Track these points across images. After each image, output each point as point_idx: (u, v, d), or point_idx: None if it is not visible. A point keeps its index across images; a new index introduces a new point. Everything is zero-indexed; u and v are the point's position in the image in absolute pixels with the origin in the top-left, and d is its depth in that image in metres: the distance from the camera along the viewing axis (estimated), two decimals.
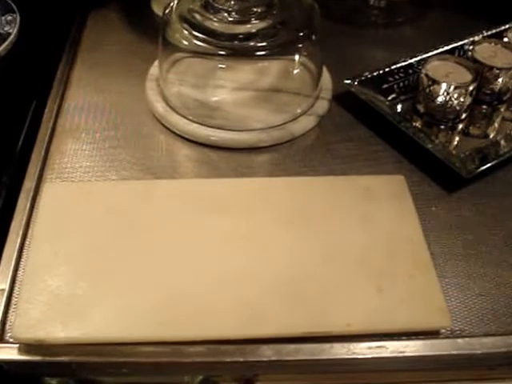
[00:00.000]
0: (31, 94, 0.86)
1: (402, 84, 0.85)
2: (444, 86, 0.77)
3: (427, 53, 0.88)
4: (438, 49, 0.89)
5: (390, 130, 0.79)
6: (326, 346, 0.59)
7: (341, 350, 0.59)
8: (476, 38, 0.91)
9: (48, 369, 0.62)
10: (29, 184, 0.72)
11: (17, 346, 0.59)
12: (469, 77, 0.79)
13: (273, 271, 0.63)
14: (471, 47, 0.84)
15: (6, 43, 0.77)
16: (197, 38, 0.76)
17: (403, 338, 0.60)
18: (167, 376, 0.65)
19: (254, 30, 0.77)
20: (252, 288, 0.61)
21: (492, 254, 0.67)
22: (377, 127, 0.81)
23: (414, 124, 0.80)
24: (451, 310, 0.62)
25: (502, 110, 0.84)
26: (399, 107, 0.83)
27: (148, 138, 0.80)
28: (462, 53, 0.89)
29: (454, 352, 0.60)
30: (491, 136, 0.81)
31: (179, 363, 0.59)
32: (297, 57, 0.80)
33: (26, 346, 0.59)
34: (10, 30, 0.79)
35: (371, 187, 0.71)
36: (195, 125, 0.79)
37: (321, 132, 0.82)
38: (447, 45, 0.90)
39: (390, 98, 0.84)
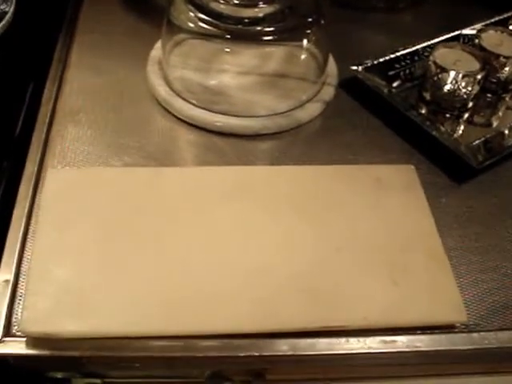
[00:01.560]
0: (28, 75, 0.83)
1: (407, 71, 0.85)
2: (452, 74, 0.77)
3: (432, 39, 0.87)
4: (442, 35, 0.88)
5: (396, 118, 0.79)
6: (342, 340, 0.59)
7: (357, 345, 0.59)
8: (480, 25, 0.90)
9: (57, 363, 0.60)
10: (30, 170, 0.70)
11: (24, 339, 0.57)
12: (476, 65, 0.78)
13: (286, 264, 0.62)
14: (478, 35, 0.83)
15: (3, 22, 0.73)
16: (202, 20, 0.74)
17: (418, 332, 0.60)
18: (179, 370, 0.64)
19: (261, 15, 0.75)
20: (265, 281, 0.61)
21: (504, 247, 0.67)
22: (383, 114, 0.80)
23: (420, 112, 0.79)
24: (465, 304, 0.61)
25: (507, 99, 0.84)
26: (405, 94, 0.82)
27: (150, 123, 0.78)
28: (466, 40, 0.88)
29: (470, 347, 0.60)
30: (495, 125, 0.81)
31: (192, 358, 0.58)
32: (304, 42, 0.78)
33: (34, 340, 0.57)
34: (7, 9, 0.75)
35: (382, 177, 0.70)
36: (199, 110, 0.77)
37: (326, 119, 0.80)
38: (452, 31, 0.89)
39: (395, 84, 0.83)
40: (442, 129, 0.77)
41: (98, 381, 0.63)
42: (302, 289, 0.60)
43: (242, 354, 0.58)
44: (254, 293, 0.60)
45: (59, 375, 0.62)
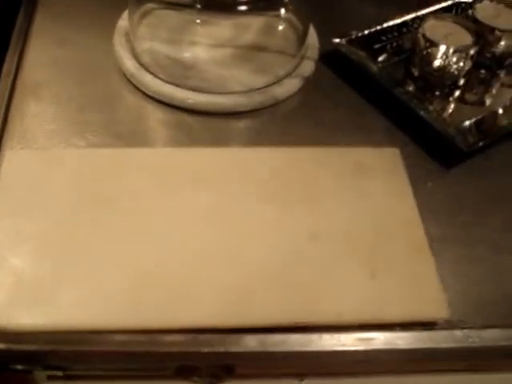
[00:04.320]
0: None
1: (394, 44, 0.80)
2: (442, 48, 0.72)
3: (422, 10, 0.82)
4: (434, 6, 0.83)
5: (381, 96, 0.74)
6: (315, 336, 0.55)
7: (330, 341, 0.55)
8: None
9: (15, 356, 0.56)
10: None
11: None
12: (469, 39, 0.74)
13: (256, 253, 0.58)
14: (472, 6, 0.78)
15: None
16: None
17: (397, 328, 0.56)
18: (143, 364, 0.60)
19: None
20: (233, 272, 0.57)
21: (493, 238, 0.63)
22: (367, 92, 0.76)
23: (407, 89, 0.75)
24: (448, 299, 0.57)
25: (502, 75, 0.79)
26: (391, 70, 0.77)
27: (118, 99, 0.73)
28: (459, 11, 0.83)
29: (452, 345, 0.56)
30: (488, 103, 0.76)
31: (155, 353, 0.55)
32: (282, 12, 0.74)
33: None
34: None
35: (363, 161, 0.66)
36: (169, 86, 0.72)
37: (306, 96, 0.76)
38: (444, 1, 0.84)
39: (381, 59, 0.78)
40: (431, 108, 0.73)
41: (60, 373, 0.59)
42: (273, 281, 0.57)
43: (208, 350, 0.54)
44: (221, 285, 0.56)
45: (20, 367, 0.59)
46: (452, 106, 0.75)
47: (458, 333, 0.56)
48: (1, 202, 0.61)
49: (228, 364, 0.59)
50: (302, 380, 0.62)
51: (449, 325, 0.57)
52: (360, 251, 0.59)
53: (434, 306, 0.56)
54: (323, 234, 0.60)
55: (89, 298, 0.55)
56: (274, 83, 0.74)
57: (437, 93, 0.75)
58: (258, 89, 0.73)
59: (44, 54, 0.77)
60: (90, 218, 0.60)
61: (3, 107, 0.70)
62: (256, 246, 0.59)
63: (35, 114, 0.70)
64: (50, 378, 0.60)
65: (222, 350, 0.55)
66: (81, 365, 0.59)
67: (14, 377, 0.60)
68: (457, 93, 0.76)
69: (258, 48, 0.76)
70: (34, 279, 0.55)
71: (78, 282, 0.56)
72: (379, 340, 0.55)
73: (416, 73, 0.76)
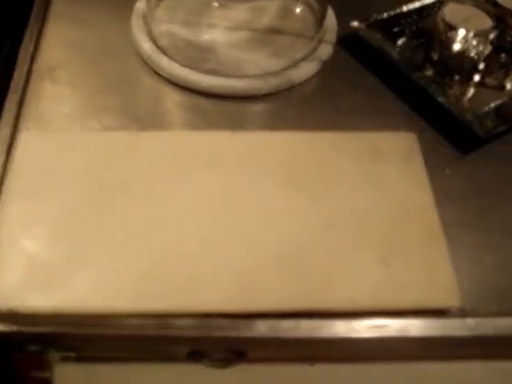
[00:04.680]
0: (5, 31, 0.79)
1: (414, 28, 0.78)
2: (462, 32, 0.71)
3: None
4: None
5: (400, 80, 0.73)
6: (326, 323, 0.55)
7: (341, 328, 0.55)
8: None
9: (27, 338, 0.56)
10: (3, 133, 0.65)
11: None
12: (489, 23, 0.72)
13: (269, 238, 0.58)
14: None
15: None
16: None
17: (409, 316, 0.55)
18: (155, 348, 0.60)
19: None
20: (246, 256, 0.57)
21: (510, 225, 0.62)
22: (386, 76, 0.74)
23: (426, 73, 0.73)
24: (462, 286, 0.56)
25: None
26: (411, 54, 0.76)
27: (134, 82, 0.73)
28: None
29: (463, 333, 0.55)
30: (508, 88, 0.74)
31: (166, 337, 0.55)
32: None
33: (2, 316, 0.54)
34: None
35: (379, 146, 0.65)
36: (185, 69, 0.72)
37: (323, 80, 0.75)
38: None
39: (400, 43, 0.77)
40: (449, 93, 0.71)
41: (73, 354, 0.60)
42: (285, 266, 0.56)
43: (219, 335, 0.55)
44: (234, 270, 0.56)
45: (33, 348, 0.59)
46: (471, 90, 0.73)
47: (470, 321, 0.56)
48: (15, 184, 0.61)
49: (239, 349, 0.59)
50: (313, 365, 0.62)
51: (462, 313, 0.56)
52: (374, 238, 0.58)
53: (447, 293, 0.56)
54: (338, 219, 0.59)
55: (102, 281, 0.55)
56: (291, 67, 0.73)
57: (456, 77, 0.74)
58: (275, 72, 0.72)
59: (61, 36, 0.77)
60: (105, 201, 0.60)
61: (20, 89, 0.70)
62: (270, 231, 0.58)
63: (51, 96, 0.70)
64: (63, 359, 0.60)
65: (233, 334, 0.55)
66: (93, 347, 0.59)
67: (29, 357, 0.61)
68: (476, 77, 0.74)
69: (275, 31, 0.75)
70: (47, 262, 0.56)
71: (91, 266, 0.56)
72: (391, 327, 0.55)
73: (435, 57, 0.75)
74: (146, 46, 0.74)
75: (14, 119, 0.67)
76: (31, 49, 0.74)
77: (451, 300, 0.56)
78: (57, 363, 0.61)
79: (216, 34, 0.75)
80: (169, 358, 0.61)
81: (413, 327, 0.55)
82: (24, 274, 0.55)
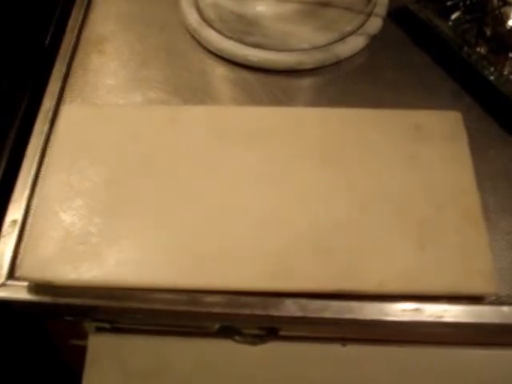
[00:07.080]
0: (54, 3, 0.78)
1: (468, 2, 0.74)
2: None
3: None
4: None
5: (449, 56, 0.70)
6: (356, 304, 0.54)
7: (371, 311, 0.54)
8: None
9: (62, 309, 0.58)
10: (47, 105, 0.67)
11: (26, 284, 0.55)
12: None
13: (304, 219, 0.57)
14: None
15: None
16: None
17: (442, 301, 0.54)
18: (186, 322, 0.61)
19: None
20: (278, 236, 0.56)
21: None
22: (435, 52, 0.72)
23: (478, 50, 0.70)
24: (500, 273, 0.55)
25: None
26: (463, 29, 0.72)
27: (179, 55, 0.72)
28: None
29: (498, 321, 0.54)
30: None
31: (196, 313, 0.55)
32: None
33: (36, 286, 0.55)
34: None
35: (422, 124, 0.63)
36: (231, 42, 0.71)
37: (370, 55, 0.72)
38: None
39: (453, 17, 0.73)
40: (500, 71, 0.67)
41: (107, 325, 0.62)
42: (317, 246, 0.55)
43: (248, 312, 0.55)
44: (266, 248, 0.55)
45: (68, 318, 0.61)
46: None
47: (505, 309, 0.54)
48: (56, 156, 0.61)
49: (270, 326, 0.59)
50: (344, 345, 0.61)
51: (497, 300, 0.54)
52: (410, 220, 0.57)
53: (483, 280, 0.54)
54: (374, 200, 0.58)
55: (134, 256, 0.55)
56: (338, 41, 0.71)
57: (510, 55, 0.70)
58: (321, 46, 0.70)
59: (109, 8, 0.77)
60: (141, 176, 0.60)
61: (66, 61, 0.71)
62: (303, 211, 0.58)
63: (97, 68, 0.71)
64: (98, 329, 0.62)
65: (262, 313, 0.55)
66: (126, 319, 0.61)
67: (67, 324, 0.63)
68: None
69: (323, 3, 0.73)
70: (82, 234, 0.56)
71: (125, 240, 0.56)
72: (423, 312, 0.54)
73: (488, 33, 0.71)
74: (192, 18, 0.73)
75: (59, 91, 0.68)
76: (79, 21, 0.75)
77: (487, 287, 0.54)
78: (92, 333, 0.62)
79: (262, 7, 0.73)
80: (200, 332, 0.62)
81: (447, 313, 0.54)
82: (59, 246, 0.56)
